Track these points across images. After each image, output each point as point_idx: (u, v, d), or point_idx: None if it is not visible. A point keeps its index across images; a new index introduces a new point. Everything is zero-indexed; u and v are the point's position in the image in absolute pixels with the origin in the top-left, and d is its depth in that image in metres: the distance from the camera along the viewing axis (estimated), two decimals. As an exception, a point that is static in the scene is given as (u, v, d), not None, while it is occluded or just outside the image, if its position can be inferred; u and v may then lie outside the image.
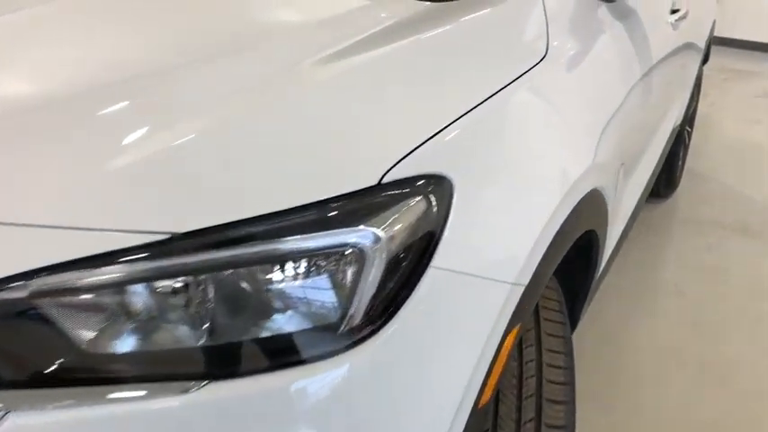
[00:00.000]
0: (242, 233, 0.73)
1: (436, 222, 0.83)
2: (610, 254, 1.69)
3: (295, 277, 0.75)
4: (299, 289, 0.75)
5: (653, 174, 2.37)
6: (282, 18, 1.19)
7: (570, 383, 1.18)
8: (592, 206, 1.32)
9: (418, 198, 0.83)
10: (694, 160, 3.80)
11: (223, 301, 0.73)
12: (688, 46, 2.58)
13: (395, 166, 0.82)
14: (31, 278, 0.68)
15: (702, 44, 3.10)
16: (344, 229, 0.76)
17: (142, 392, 0.70)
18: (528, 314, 1.00)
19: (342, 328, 0.76)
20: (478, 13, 1.16)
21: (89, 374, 0.71)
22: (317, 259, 0.75)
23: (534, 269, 0.97)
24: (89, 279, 0.69)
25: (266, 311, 0.74)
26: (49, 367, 0.70)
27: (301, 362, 0.74)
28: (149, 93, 0.87)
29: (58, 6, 1.25)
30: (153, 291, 0.71)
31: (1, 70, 1.00)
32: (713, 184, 3.65)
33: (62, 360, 0.70)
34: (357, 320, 0.76)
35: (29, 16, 1.19)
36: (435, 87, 0.97)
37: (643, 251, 2.88)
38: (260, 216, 0.74)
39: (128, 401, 0.70)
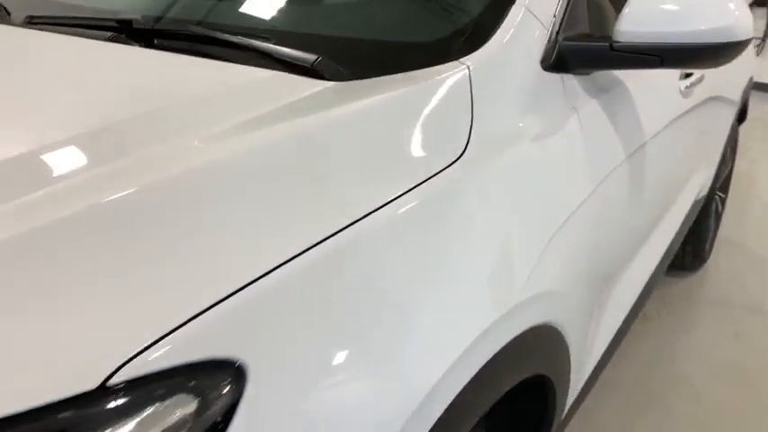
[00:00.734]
0: None
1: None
2: (576, 397, 1.36)
3: None
4: None
5: (661, 262, 2.02)
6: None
7: None
8: (535, 347, 1.01)
9: (170, 402, 0.55)
10: (729, 227, 3.40)
11: None
12: (715, 105, 2.24)
13: (137, 356, 0.55)
14: None
15: (736, 99, 2.75)
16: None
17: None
18: None
19: None
20: (372, 100, 0.88)
21: None
22: None
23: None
24: None
25: None
26: None
27: None
28: None
29: None
30: None
31: None
32: (749, 257, 3.25)
33: None
34: None
35: None
36: (252, 217, 0.70)
37: (656, 336, 2.51)
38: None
39: None
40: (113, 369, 0.53)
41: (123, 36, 1.10)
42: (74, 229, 0.62)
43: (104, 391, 0.53)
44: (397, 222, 0.78)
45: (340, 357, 0.67)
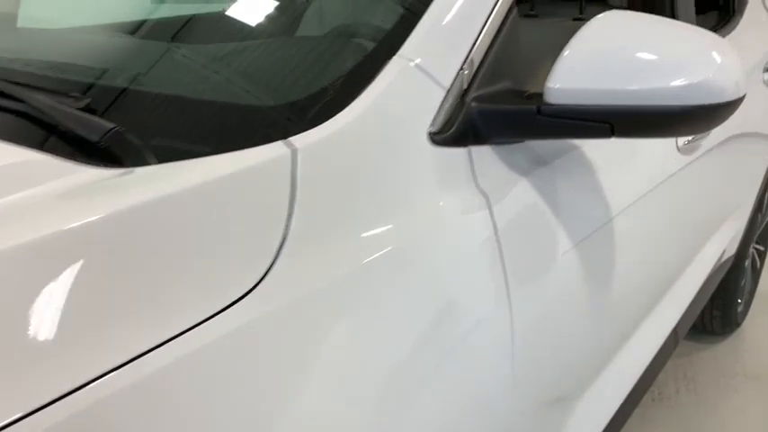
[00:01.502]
0: None
1: None
2: None
3: None
4: None
5: (669, 339, 1.65)
6: None
7: None
8: None
9: None
10: (771, 280, 2.97)
11: None
12: (745, 143, 1.88)
13: None
14: None
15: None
16: None
17: None
18: None
19: None
20: (149, 200, 0.59)
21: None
22: None
23: None
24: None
25: None
26: None
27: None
28: None
29: None
30: None
31: None
32: (793, 317, 2.81)
33: None
34: None
35: None
36: None
37: (673, 421, 2.12)
38: None
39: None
40: None
41: None
42: None
43: None
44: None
45: None
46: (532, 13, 1.94)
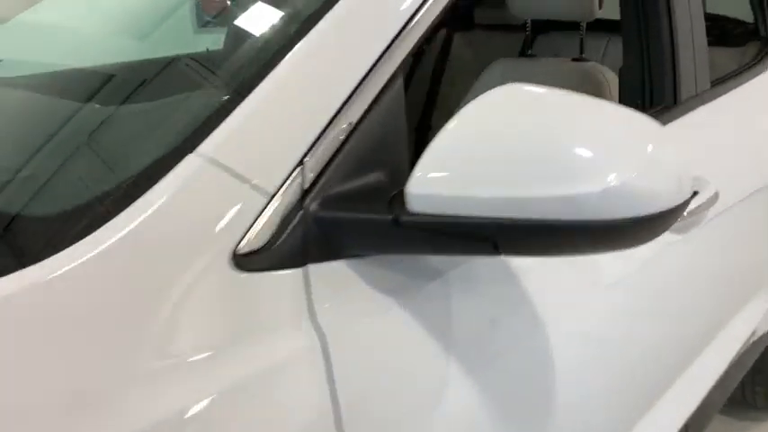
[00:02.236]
0: None
1: None
2: None
3: None
4: None
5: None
6: None
7: None
8: None
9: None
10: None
11: None
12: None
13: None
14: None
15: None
16: None
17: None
18: None
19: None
20: None
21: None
22: None
23: None
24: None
25: None
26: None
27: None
28: None
29: None
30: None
31: None
32: None
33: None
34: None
35: None
36: None
37: None
38: None
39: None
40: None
41: None
42: None
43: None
44: None
45: None
46: (530, 53, 1.73)
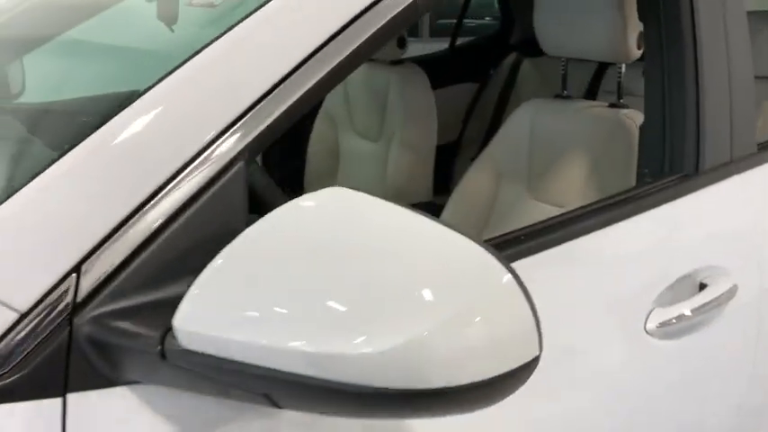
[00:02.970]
0: None
1: None
2: None
3: None
4: None
5: None
6: None
7: None
8: None
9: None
10: None
11: None
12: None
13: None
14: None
15: None
16: None
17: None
18: None
19: None
20: None
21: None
22: None
23: None
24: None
25: None
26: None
27: None
28: None
29: None
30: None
31: None
32: None
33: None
34: None
35: None
36: None
37: None
38: None
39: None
40: None
41: None
42: None
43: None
44: None
45: None
46: (565, 94, 1.53)
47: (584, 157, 1.43)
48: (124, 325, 0.55)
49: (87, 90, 0.98)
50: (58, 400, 0.55)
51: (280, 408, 0.51)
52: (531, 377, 0.50)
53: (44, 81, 1.12)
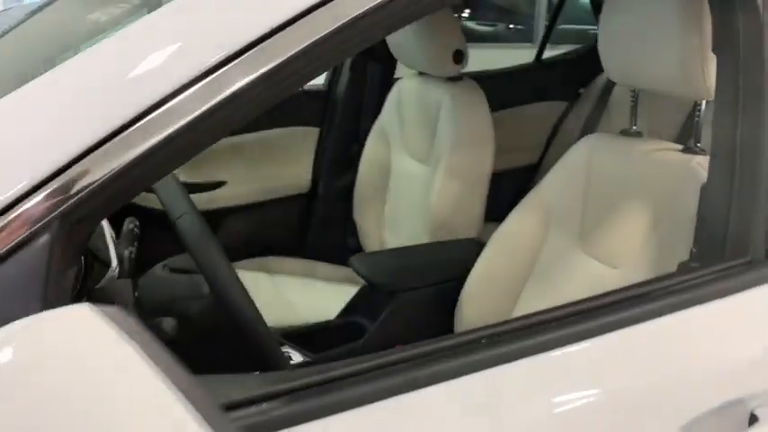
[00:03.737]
0: None
1: None
2: None
3: None
4: None
5: None
6: None
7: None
8: None
9: None
10: None
11: None
12: None
13: None
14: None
15: None
16: None
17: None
18: None
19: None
20: None
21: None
22: None
23: None
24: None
25: None
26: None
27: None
28: None
29: None
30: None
31: None
32: None
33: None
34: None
35: None
36: None
37: None
38: None
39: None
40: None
41: None
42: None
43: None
44: None
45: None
46: (634, 129, 1.28)
47: (645, 209, 1.18)
48: None
49: None
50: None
51: None
52: None
53: None
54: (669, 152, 1.19)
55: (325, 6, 0.57)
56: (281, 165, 2.03)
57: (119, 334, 0.39)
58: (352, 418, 0.60)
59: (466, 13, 8.92)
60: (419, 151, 1.76)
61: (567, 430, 0.71)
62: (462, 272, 1.42)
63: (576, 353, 0.73)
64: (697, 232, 0.92)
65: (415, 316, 1.48)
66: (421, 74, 1.77)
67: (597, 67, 1.24)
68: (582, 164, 1.31)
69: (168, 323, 0.78)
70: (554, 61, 2.50)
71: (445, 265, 1.50)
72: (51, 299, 0.46)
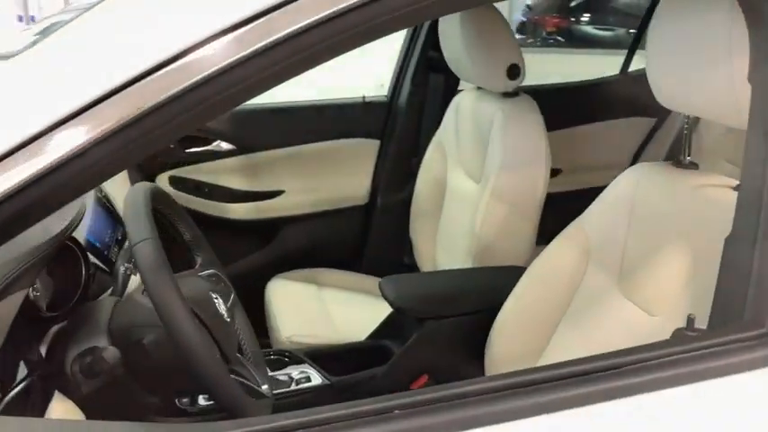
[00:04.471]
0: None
1: None
2: None
3: None
4: None
5: None
6: None
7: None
8: None
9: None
10: None
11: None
12: None
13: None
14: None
15: None
16: None
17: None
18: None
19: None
20: None
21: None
22: None
23: None
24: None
25: None
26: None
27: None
28: None
29: None
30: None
31: None
32: None
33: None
34: None
35: None
36: None
37: None
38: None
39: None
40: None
41: None
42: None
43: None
44: None
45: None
46: (687, 161, 1.14)
47: (689, 253, 1.04)
48: None
49: None
50: None
51: None
52: None
53: None
54: (722, 189, 1.04)
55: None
56: (340, 176, 2.01)
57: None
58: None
59: (586, 17, 8.55)
60: (472, 168, 1.67)
61: None
62: (499, 301, 1.33)
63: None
64: (716, 291, 0.79)
65: (444, 345, 1.40)
66: (479, 87, 1.69)
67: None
68: (626, 196, 1.19)
69: (110, 353, 0.77)
70: (642, 73, 2.31)
71: (480, 293, 1.41)
72: None
